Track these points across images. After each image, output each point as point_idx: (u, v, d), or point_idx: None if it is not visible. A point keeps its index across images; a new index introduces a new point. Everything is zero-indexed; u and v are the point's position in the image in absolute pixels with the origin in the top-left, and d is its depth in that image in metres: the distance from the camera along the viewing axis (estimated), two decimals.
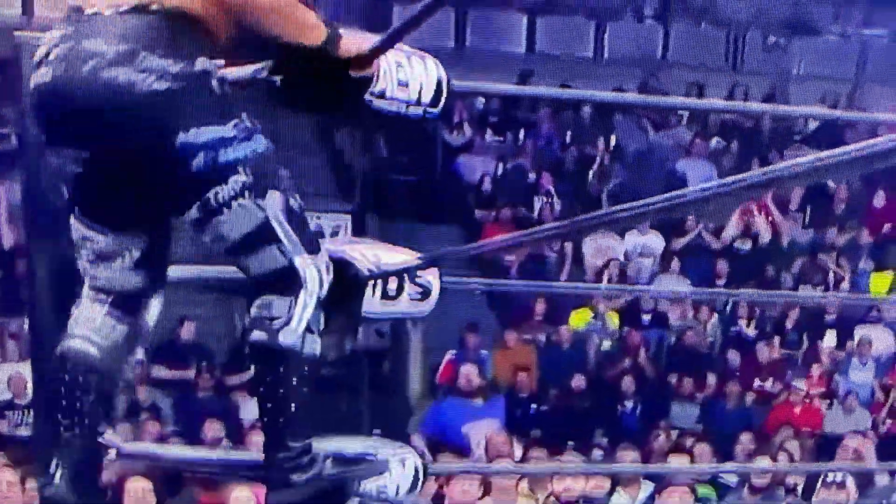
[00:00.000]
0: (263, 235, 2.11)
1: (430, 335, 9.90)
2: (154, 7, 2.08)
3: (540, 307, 10.58)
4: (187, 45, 2.07)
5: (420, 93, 2.26)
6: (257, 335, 2.14)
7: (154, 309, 2.29)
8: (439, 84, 2.28)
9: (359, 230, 10.87)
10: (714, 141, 13.10)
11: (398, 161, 11.37)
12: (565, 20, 13.60)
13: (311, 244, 2.16)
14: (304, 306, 2.13)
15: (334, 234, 10.77)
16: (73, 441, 2.22)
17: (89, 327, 2.24)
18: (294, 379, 2.14)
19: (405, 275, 2.48)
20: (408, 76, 2.24)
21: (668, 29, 14.14)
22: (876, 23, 14.60)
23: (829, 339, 11.00)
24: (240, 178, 2.07)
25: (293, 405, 2.15)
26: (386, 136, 11.21)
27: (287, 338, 2.12)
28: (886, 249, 11.89)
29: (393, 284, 2.45)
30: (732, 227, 11.76)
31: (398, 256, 2.44)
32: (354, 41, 2.13)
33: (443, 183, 11.79)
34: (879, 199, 12.15)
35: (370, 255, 2.36)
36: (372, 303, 2.40)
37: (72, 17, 2.13)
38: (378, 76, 2.21)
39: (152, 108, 2.02)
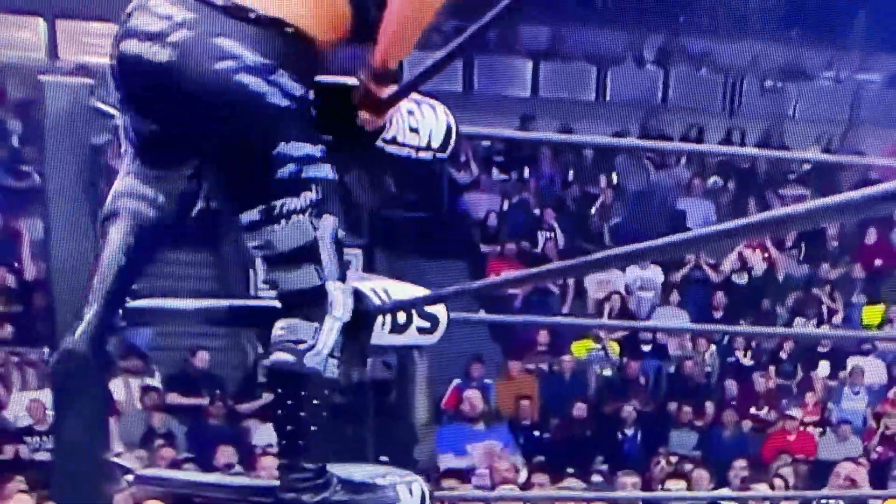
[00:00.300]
0: (308, 254, 2.13)
1: (436, 365, 9.87)
2: (289, 30, 2.09)
3: (542, 337, 10.56)
4: (308, 72, 2.12)
5: (430, 139, 2.30)
6: (282, 357, 2.13)
7: (201, 203, 2.29)
8: (448, 130, 2.32)
9: (369, 264, 10.87)
10: (712, 180, 13.12)
11: (407, 198, 11.40)
12: (568, 65, 13.62)
13: (342, 273, 2.17)
14: (330, 331, 2.13)
15: None
16: (101, 295, 2.20)
17: (143, 195, 2.22)
18: (315, 401, 2.13)
19: (413, 308, 2.49)
20: (418, 123, 2.27)
21: (668, 73, 14.18)
22: (869, 68, 14.64)
23: (823, 369, 10.96)
24: (310, 196, 2.10)
25: (312, 427, 2.14)
26: (395, 174, 11.24)
27: (312, 361, 2.12)
28: (878, 284, 11.90)
29: (402, 317, 2.46)
30: (730, 262, 11.76)
31: (407, 291, 2.45)
32: (391, 88, 2.15)
33: (450, 219, 11.82)
34: (871, 237, 12.22)
35: (380, 289, 2.37)
36: (381, 334, 2.39)
37: (184, 3, 2.09)
38: (390, 123, 2.24)
39: (271, 117, 2.07)
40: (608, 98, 13.71)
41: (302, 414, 2.13)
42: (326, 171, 2.12)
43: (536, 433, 9.77)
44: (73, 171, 2.54)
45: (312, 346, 2.11)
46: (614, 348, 10.75)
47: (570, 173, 12.79)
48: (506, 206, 12.18)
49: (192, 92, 2.06)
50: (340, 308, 2.15)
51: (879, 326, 11.23)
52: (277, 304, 2.24)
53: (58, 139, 2.54)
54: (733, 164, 13.21)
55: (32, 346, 9.02)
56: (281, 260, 2.14)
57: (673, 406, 10.25)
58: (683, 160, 13.23)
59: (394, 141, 2.25)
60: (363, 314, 2.31)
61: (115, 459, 2.73)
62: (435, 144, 2.30)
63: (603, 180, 12.56)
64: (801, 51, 14.47)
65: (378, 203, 11.22)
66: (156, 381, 9.37)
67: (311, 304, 2.14)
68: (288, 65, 2.08)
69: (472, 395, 9.44)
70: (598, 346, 10.67)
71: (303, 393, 2.12)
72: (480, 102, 11.84)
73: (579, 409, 9.86)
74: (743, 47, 14.24)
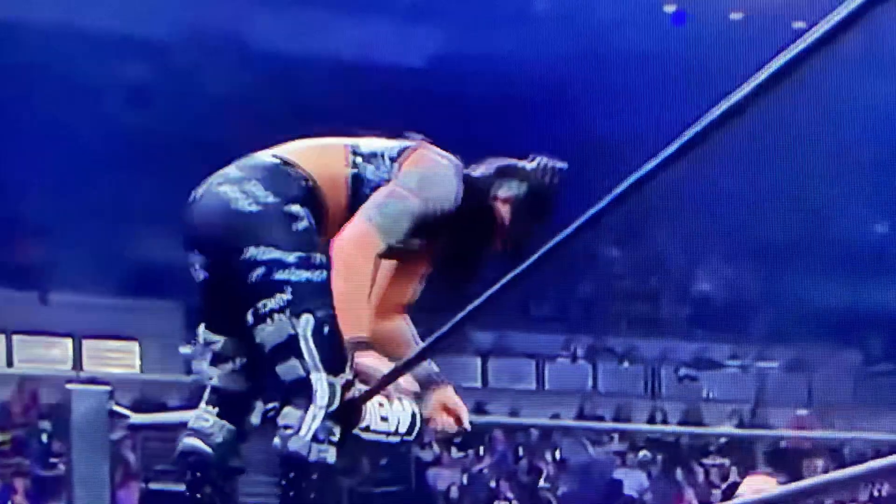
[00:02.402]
0: (290, 350, 2.08)
1: None
2: (278, 161, 2.17)
3: None
4: (285, 186, 2.13)
5: (398, 425, 2.32)
6: (275, 441, 2.09)
7: (257, 412, 2.25)
8: (413, 417, 2.36)
9: None
10: (642, 453, 13.14)
11: (379, 476, 11.32)
12: (512, 361, 13.94)
13: (335, 364, 2.09)
14: (314, 418, 2.05)
15: None
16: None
17: (203, 426, 2.23)
18: (300, 483, 2.05)
19: None
20: (388, 412, 2.29)
21: (596, 366, 14.50)
22: (768, 357, 15.00)
23: None
24: (284, 297, 2.07)
25: None
26: (368, 455, 11.22)
27: (295, 445, 2.05)
28: None
29: None
30: None
31: None
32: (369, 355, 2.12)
33: (417, 492, 11.67)
34: None
35: None
36: None
37: None
38: (363, 414, 2.25)
39: (239, 222, 2.10)
40: (546, 387, 13.97)
41: (291, 494, 2.05)
42: (300, 275, 2.08)
43: None
44: (94, 462, 2.61)
45: (297, 432, 2.05)
46: None
47: (520, 450, 12.82)
48: (465, 480, 12.11)
49: (199, 213, 2.16)
50: (323, 397, 2.06)
51: None
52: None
53: (81, 435, 2.62)
54: (660, 439, 13.28)
55: None
56: (270, 356, 2.10)
57: None
58: (616, 437, 13.30)
59: (367, 429, 2.27)
60: None
61: None
62: (402, 430, 2.34)
63: (548, 455, 12.61)
64: (709, 345, 14.89)
65: (354, 481, 11.12)
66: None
67: (297, 393, 2.07)
68: (264, 179, 2.11)
69: None
70: None
71: (290, 474, 2.05)
72: None
73: None
74: (658, 343, 14.66)
